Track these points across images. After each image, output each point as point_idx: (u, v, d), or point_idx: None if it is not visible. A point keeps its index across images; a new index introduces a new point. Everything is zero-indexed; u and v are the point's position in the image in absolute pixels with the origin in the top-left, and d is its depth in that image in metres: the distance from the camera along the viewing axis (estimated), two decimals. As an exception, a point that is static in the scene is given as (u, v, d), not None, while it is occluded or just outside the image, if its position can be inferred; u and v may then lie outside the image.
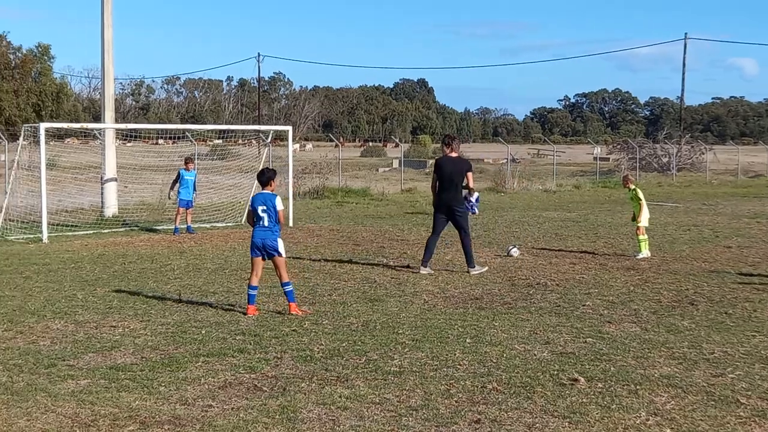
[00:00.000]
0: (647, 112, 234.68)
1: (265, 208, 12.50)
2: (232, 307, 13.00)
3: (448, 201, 16.55)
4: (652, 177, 56.54)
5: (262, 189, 12.73)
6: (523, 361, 9.89)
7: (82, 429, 7.58)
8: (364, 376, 9.24)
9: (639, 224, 19.26)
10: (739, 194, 44.14)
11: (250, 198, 12.66)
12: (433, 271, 16.45)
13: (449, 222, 16.77)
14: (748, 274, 16.63)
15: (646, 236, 19.34)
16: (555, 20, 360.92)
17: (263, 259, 12.66)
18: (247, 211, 12.60)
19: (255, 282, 12.65)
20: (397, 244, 21.10)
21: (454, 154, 16.67)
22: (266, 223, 12.51)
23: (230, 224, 26.20)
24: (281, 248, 12.68)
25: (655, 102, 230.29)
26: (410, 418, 7.83)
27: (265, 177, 12.79)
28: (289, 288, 12.67)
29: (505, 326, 11.78)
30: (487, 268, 16.82)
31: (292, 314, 12.40)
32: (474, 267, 16.53)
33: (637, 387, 8.88)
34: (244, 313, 12.46)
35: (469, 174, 16.63)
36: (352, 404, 8.24)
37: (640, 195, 19.68)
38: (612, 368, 9.62)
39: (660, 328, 11.77)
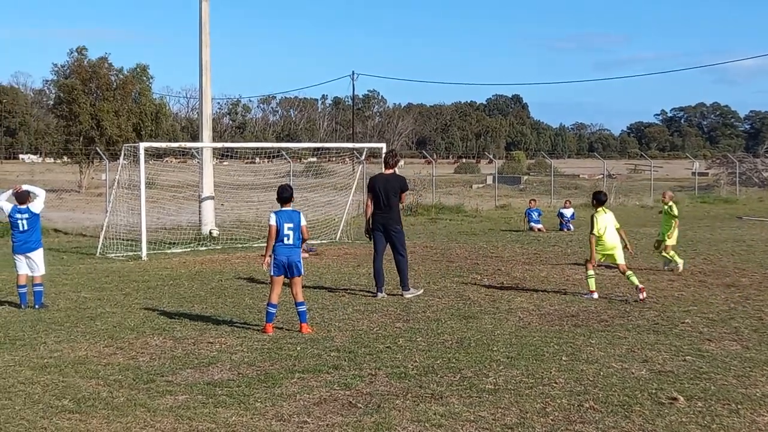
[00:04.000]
0: (747, 126, 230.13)
1: (291, 225, 12.46)
2: (326, 324, 13.07)
3: (383, 220, 15.89)
4: (752, 192, 55.36)
5: (282, 206, 12.66)
6: (620, 380, 9.75)
7: (180, 444, 7.69)
8: (458, 393, 9.20)
9: (668, 242, 19.10)
10: None
11: (273, 215, 12.49)
12: (386, 295, 15.79)
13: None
14: None
15: (673, 253, 19.16)
16: (649, 32, 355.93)
17: (286, 276, 12.62)
18: (270, 228, 12.46)
19: (276, 300, 12.61)
20: (491, 261, 21.00)
21: (388, 171, 16.04)
22: (292, 241, 12.49)
23: (325, 241, 26.36)
24: (302, 267, 12.71)
25: (756, 116, 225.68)
26: (505, 437, 7.77)
27: (287, 194, 12.73)
28: (303, 308, 12.64)
29: (602, 344, 11.62)
30: (422, 290, 16.12)
31: (303, 334, 12.36)
32: (408, 290, 15.81)
33: (738, 406, 8.67)
34: (262, 331, 12.49)
35: (403, 194, 15.90)
36: (446, 422, 8.20)
37: (675, 211, 19.44)
38: (712, 387, 9.42)
39: (762, 347, 11.49)
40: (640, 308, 14.41)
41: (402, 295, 15.75)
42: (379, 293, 15.78)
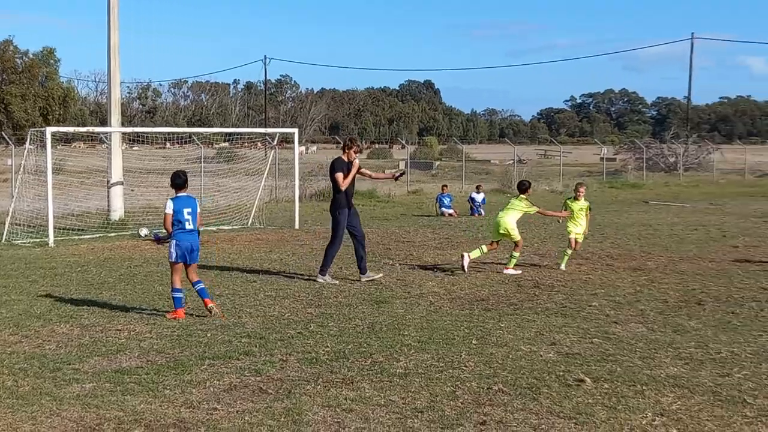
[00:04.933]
0: (654, 112, 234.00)
1: (190, 210, 12.41)
2: (237, 310, 12.99)
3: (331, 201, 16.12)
4: (659, 177, 56.47)
5: (178, 192, 12.56)
6: (529, 362, 9.87)
7: (87, 433, 7.57)
8: (369, 378, 9.22)
9: (580, 238, 17.84)
10: (747, 194, 44.06)
11: (171, 202, 12.39)
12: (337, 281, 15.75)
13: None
14: (755, 274, 16.57)
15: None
16: (561, 21, 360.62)
17: (185, 263, 12.55)
18: (165, 216, 12.37)
19: (179, 284, 12.51)
20: (403, 246, 21.08)
21: (344, 157, 15.99)
22: (192, 226, 12.44)
23: (236, 227, 26.18)
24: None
25: (662, 102, 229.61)
26: (415, 420, 7.81)
27: (181, 180, 12.60)
28: (202, 285, 12.61)
29: (511, 327, 11.75)
30: (326, 280, 15.81)
31: (210, 308, 12.43)
32: (325, 277, 15.72)
33: (644, 387, 8.84)
34: (173, 317, 12.36)
35: (336, 175, 15.67)
36: (357, 406, 8.22)
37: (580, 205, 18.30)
38: (618, 369, 9.59)
39: (667, 329, 11.74)
40: (548, 292, 14.60)
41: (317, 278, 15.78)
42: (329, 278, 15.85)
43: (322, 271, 15.87)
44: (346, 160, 15.90)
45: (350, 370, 9.52)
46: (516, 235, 17.11)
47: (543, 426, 7.67)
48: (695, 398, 8.50)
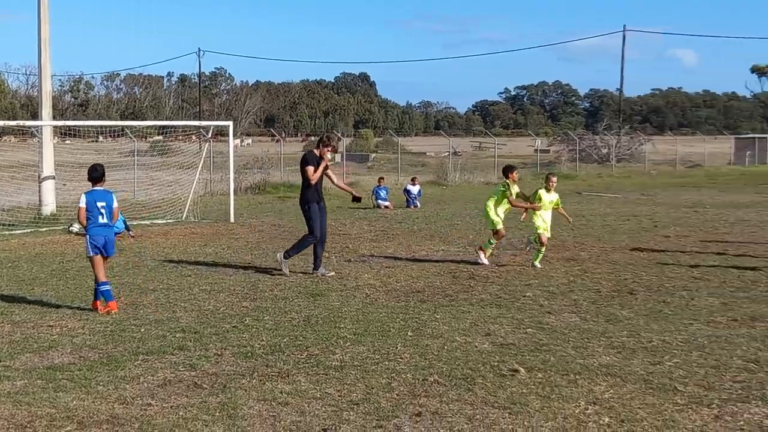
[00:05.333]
0: (587, 104, 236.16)
1: (104, 204, 12.33)
2: (171, 304, 12.88)
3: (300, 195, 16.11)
4: (592, 168, 57.09)
5: (94, 186, 12.49)
6: (464, 353, 9.92)
7: (19, 430, 7.46)
8: (305, 371, 9.21)
9: (548, 233, 17.00)
10: (678, 184, 44.75)
11: (84, 196, 12.33)
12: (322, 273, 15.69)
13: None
14: (686, 263, 16.84)
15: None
16: (497, 14, 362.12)
17: (103, 256, 12.47)
18: (79, 210, 12.32)
19: (104, 277, 12.42)
20: (339, 238, 21.06)
21: (316, 152, 15.95)
22: (106, 220, 12.37)
23: (171, 221, 25.96)
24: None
25: (595, 94, 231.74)
26: (351, 413, 7.81)
27: (98, 174, 12.54)
28: (107, 287, 12.43)
29: (447, 319, 11.81)
30: (281, 260, 15.83)
31: (102, 311, 12.25)
32: (285, 261, 15.76)
33: (577, 376, 8.94)
34: (105, 312, 12.24)
35: (307, 168, 15.64)
36: (293, 400, 8.20)
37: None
38: (552, 358, 9.69)
39: (599, 318, 11.88)
40: (483, 283, 14.70)
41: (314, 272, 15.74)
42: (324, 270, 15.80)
43: (316, 267, 15.86)
44: (318, 155, 15.84)
45: (286, 364, 9.50)
46: (493, 221, 17.14)
47: (478, 416, 7.72)
48: (627, 386, 8.61)
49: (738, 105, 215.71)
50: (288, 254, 15.86)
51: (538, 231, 16.69)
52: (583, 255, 18.03)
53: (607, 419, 7.63)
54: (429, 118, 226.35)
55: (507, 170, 17.65)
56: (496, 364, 9.43)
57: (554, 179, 17.35)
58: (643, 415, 7.74)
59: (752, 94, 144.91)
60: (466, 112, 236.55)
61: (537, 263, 16.56)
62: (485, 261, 16.83)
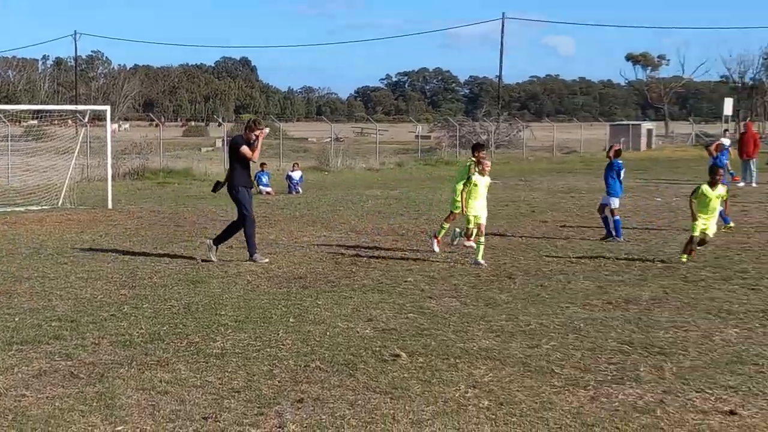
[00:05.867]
0: (467, 91, 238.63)
1: None
2: (47, 293, 12.57)
3: (228, 180, 15.92)
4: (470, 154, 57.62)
5: None
6: (346, 339, 9.94)
7: None
8: (185, 359, 9.10)
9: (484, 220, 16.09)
10: (555, 170, 45.63)
11: None
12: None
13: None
14: (563, 248, 17.18)
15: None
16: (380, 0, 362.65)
17: None
18: None
19: None
20: (220, 225, 20.79)
21: (245, 137, 15.69)
22: None
23: (46, 207, 25.34)
24: None
25: (475, 81, 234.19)
26: (232, 400, 7.75)
27: None
28: None
29: (329, 304, 11.81)
30: (258, 259, 15.44)
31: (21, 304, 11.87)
32: (254, 254, 15.50)
33: (457, 360, 9.04)
34: None
35: (242, 149, 15.38)
36: (172, 388, 8.09)
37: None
38: (433, 343, 9.77)
39: (479, 302, 12.03)
40: (365, 269, 14.73)
41: (252, 259, 15.46)
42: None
43: (252, 252, 15.56)
44: (246, 140, 15.57)
45: (165, 352, 9.37)
46: (455, 203, 16.75)
47: (360, 402, 7.74)
48: (506, 369, 8.74)
49: (613, 92, 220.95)
50: (252, 252, 15.57)
51: (478, 220, 15.61)
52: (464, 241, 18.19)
53: (486, 402, 7.73)
54: (311, 103, 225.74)
55: (475, 148, 17.08)
56: (377, 349, 9.47)
57: (488, 163, 16.38)
58: (521, 397, 7.87)
59: (627, 81, 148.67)
60: (348, 98, 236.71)
61: (480, 259, 15.16)
62: (437, 249, 16.44)
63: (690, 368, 8.79)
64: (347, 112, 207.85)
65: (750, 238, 18.41)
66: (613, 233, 18.06)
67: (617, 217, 18.32)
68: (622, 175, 18.59)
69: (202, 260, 15.35)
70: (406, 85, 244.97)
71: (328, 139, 53.52)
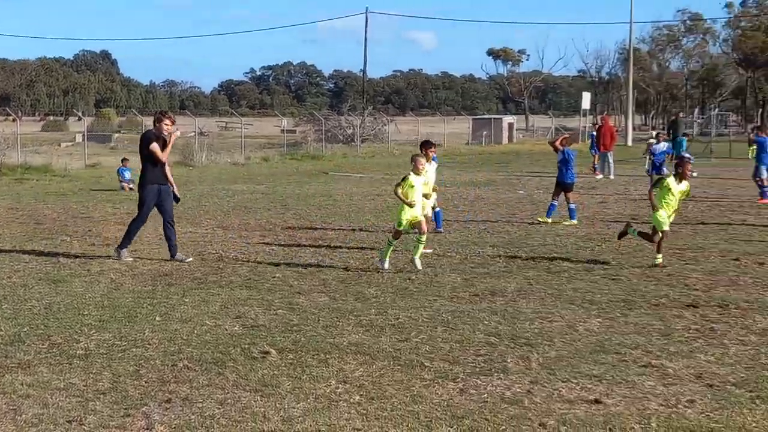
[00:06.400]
0: (332, 85, 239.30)
1: None
2: None
3: (140, 178, 15.43)
4: (337, 148, 57.76)
5: None
6: (214, 337, 9.80)
7: None
8: (47, 361, 8.83)
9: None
10: (420, 164, 45.94)
11: None
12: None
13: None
14: (429, 241, 17.29)
15: None
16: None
17: None
18: None
19: None
20: (82, 222, 20.38)
21: (156, 131, 15.19)
22: None
23: None
24: None
25: (339, 75, 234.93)
26: (98, 402, 7.55)
27: None
28: None
29: (196, 302, 11.63)
30: (123, 256, 15.11)
31: None
32: (123, 250, 15.15)
33: (327, 356, 9.02)
34: None
35: (152, 146, 14.92)
36: (34, 392, 7.84)
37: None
38: (303, 339, 9.73)
39: (348, 297, 12.03)
40: (233, 265, 14.57)
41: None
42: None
43: (123, 246, 15.17)
44: (156, 134, 15.08)
45: (27, 354, 9.08)
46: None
47: (229, 400, 7.64)
48: (376, 364, 8.76)
49: (475, 87, 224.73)
50: (122, 246, 15.19)
51: (399, 227, 14.40)
52: (331, 234, 18.22)
53: (357, 397, 7.73)
54: (174, 97, 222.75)
55: (423, 146, 16.74)
56: (246, 346, 9.38)
57: (423, 161, 14.79)
58: (392, 391, 7.89)
59: (488, 76, 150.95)
60: (211, 91, 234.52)
61: (417, 259, 14.24)
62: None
63: (555, 358, 8.97)
64: (211, 106, 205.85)
65: (610, 229, 18.90)
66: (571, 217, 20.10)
67: (573, 205, 20.36)
68: (573, 162, 20.50)
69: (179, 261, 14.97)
70: (270, 79, 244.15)
71: (192, 134, 52.81)
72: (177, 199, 15.65)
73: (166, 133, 15.15)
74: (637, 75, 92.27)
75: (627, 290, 12.46)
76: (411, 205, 14.19)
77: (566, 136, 22.77)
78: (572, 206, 20.29)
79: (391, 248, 14.40)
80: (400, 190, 14.32)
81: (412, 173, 14.44)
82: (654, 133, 31.58)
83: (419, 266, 14.11)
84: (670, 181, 14.75)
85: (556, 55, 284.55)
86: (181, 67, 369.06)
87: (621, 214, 22.18)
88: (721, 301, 11.63)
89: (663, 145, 28.89)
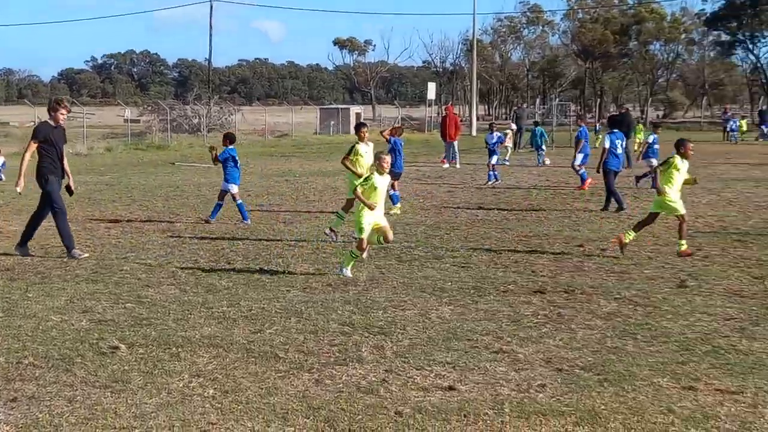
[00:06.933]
0: (176, 74, 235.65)
1: None
2: None
3: (37, 170, 14.36)
4: (183, 138, 56.90)
5: None
6: (60, 333, 9.51)
7: None
8: None
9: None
10: (267, 153, 45.79)
11: None
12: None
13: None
14: (281, 232, 17.24)
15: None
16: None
17: None
18: None
19: None
20: None
21: (51, 121, 14.31)
22: None
23: None
24: None
25: (184, 64, 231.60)
26: (-62, 404, 7.24)
27: None
28: None
29: (40, 297, 11.27)
30: (22, 251, 14.57)
31: None
32: (73, 249, 14.38)
33: (179, 350, 8.86)
34: None
35: (31, 141, 14.16)
36: None
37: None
38: (153, 332, 9.53)
39: (199, 289, 11.85)
40: (77, 258, 14.16)
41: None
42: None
43: (70, 246, 14.35)
44: (53, 124, 14.21)
45: None
46: (351, 192, 15.39)
47: (78, 397, 7.43)
48: (230, 356, 8.66)
49: (321, 76, 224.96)
50: (69, 248, 14.35)
51: (361, 234, 12.83)
52: (179, 226, 17.92)
53: (211, 391, 7.63)
54: (11, 86, 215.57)
55: (358, 128, 16.69)
56: (95, 342, 9.13)
57: (387, 159, 13.25)
58: (246, 384, 7.81)
59: (335, 66, 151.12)
60: (51, 80, 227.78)
61: (347, 269, 12.81)
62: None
63: (409, 346, 9.04)
64: (51, 95, 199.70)
65: (458, 218, 19.18)
66: None
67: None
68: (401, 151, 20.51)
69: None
70: (112, 68, 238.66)
71: (31, 123, 51.12)
72: (71, 192, 14.90)
73: (63, 123, 14.43)
74: (481, 66, 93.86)
75: (476, 277, 12.66)
76: (371, 208, 12.60)
77: (395, 126, 22.86)
78: (396, 193, 20.29)
79: (354, 261, 12.90)
80: (360, 189, 12.75)
81: (375, 173, 12.88)
82: (496, 125, 32.25)
83: (349, 274, 12.68)
84: (678, 160, 14.56)
85: (402, 46, 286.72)
86: (18, 56, 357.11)
87: (468, 202, 22.54)
88: (567, 287, 11.94)
89: (496, 135, 29.59)
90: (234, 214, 18.88)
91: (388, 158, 13.09)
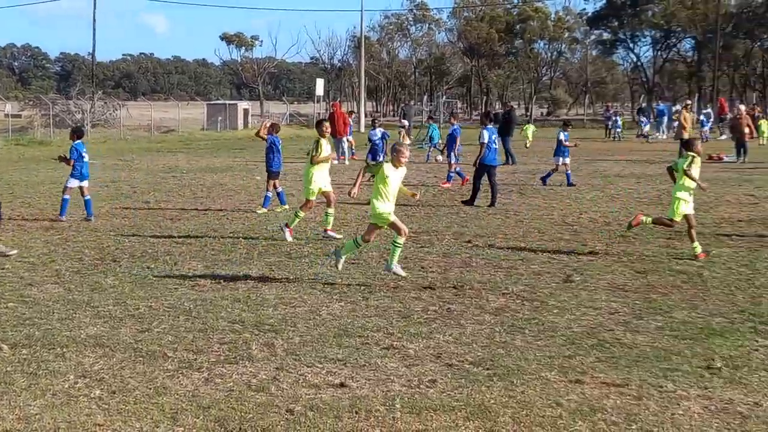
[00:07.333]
0: (59, 68, 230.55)
1: None
2: None
3: None
4: (66, 133, 55.57)
5: None
6: (-63, 334, 9.22)
7: None
8: None
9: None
10: (154, 149, 45.13)
11: None
12: None
13: None
14: (168, 228, 16.99)
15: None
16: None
17: None
18: None
19: None
20: None
21: None
22: None
23: None
24: None
25: (66, 58, 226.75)
26: None
27: None
28: None
29: None
30: None
31: None
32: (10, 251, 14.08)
33: (64, 350, 8.67)
34: None
35: None
36: None
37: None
38: (37, 332, 9.30)
39: (84, 287, 11.62)
40: (-44, 257, 13.76)
41: None
42: None
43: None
44: None
45: None
46: (305, 190, 16.11)
47: (-41, 401, 7.20)
48: (117, 356, 8.50)
49: (208, 72, 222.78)
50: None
51: (379, 222, 12.23)
52: (63, 223, 17.52)
53: (98, 392, 7.48)
54: None
55: (319, 124, 16.46)
56: (-25, 343, 8.88)
57: (406, 153, 12.26)
58: (134, 384, 7.69)
59: (222, 61, 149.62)
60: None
61: (396, 265, 12.20)
62: (289, 238, 15.52)
63: (300, 343, 9.00)
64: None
65: (348, 214, 19.17)
66: None
67: (269, 193, 19.69)
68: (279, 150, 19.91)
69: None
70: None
71: None
72: None
73: None
74: (368, 63, 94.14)
75: (366, 274, 12.69)
76: (387, 199, 11.98)
77: (271, 123, 22.47)
78: (269, 194, 19.74)
79: (353, 251, 12.75)
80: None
81: (389, 163, 12.11)
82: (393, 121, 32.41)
83: (402, 273, 12.15)
84: (698, 159, 14.05)
85: (290, 42, 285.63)
86: None
87: (358, 199, 22.50)
88: (456, 283, 12.05)
89: (379, 132, 29.68)
90: (121, 210, 18.53)
91: (407, 152, 12.18)
